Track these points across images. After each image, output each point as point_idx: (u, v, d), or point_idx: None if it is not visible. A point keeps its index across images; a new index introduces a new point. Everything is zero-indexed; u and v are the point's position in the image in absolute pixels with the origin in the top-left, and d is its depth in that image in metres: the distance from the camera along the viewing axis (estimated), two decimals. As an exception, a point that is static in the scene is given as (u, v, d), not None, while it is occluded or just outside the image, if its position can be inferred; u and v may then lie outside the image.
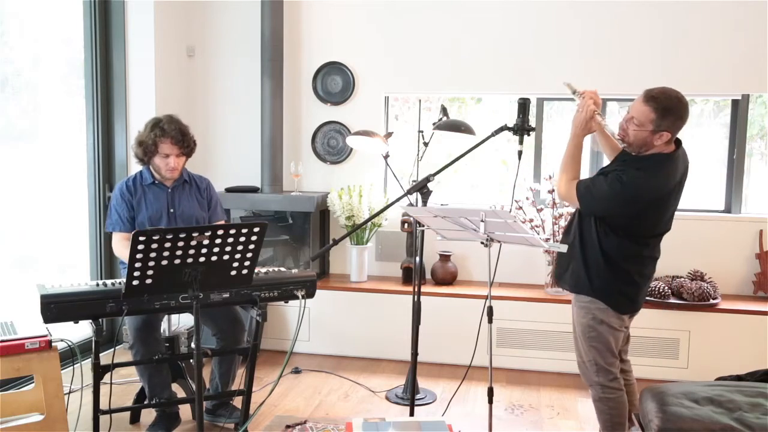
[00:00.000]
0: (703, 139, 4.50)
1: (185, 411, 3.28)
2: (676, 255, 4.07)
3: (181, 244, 2.26)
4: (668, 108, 2.41)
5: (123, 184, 3.15)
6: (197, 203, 3.23)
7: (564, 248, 2.61)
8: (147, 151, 3.06)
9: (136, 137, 3.11)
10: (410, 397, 3.19)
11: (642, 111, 2.44)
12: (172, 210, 3.15)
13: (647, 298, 3.40)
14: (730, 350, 3.86)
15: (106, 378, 2.59)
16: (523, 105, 2.77)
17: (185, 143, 3.10)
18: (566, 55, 4.30)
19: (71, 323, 2.51)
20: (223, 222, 3.33)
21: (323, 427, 3.17)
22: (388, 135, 3.97)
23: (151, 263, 2.26)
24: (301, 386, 3.81)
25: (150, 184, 3.15)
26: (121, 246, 3.06)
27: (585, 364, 2.70)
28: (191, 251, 2.29)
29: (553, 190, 4.04)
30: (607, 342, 2.64)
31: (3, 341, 2.52)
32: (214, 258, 2.35)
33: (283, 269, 2.98)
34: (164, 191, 3.16)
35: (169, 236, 2.23)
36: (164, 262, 2.27)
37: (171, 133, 3.04)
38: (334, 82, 4.65)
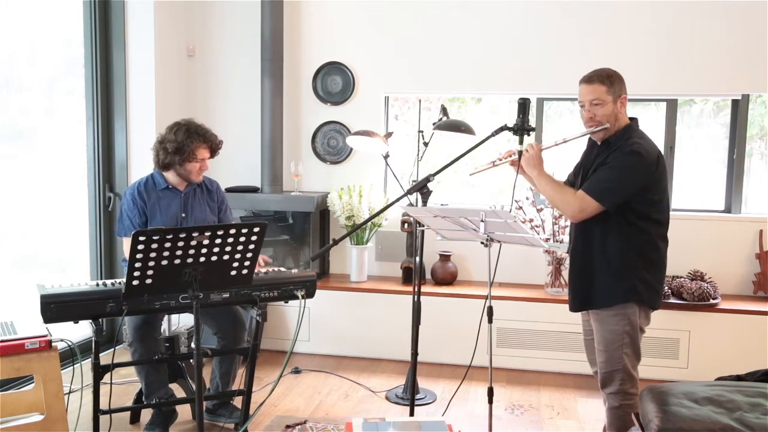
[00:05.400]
0: (703, 139, 4.50)
1: (185, 410, 3.29)
2: (676, 255, 4.05)
3: (181, 244, 2.26)
4: (609, 75, 2.60)
5: (134, 189, 3.09)
6: (208, 208, 3.22)
7: (564, 248, 2.61)
8: (185, 158, 3.03)
9: (170, 144, 3.02)
10: (410, 397, 3.19)
11: (594, 90, 2.59)
12: (184, 215, 3.13)
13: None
14: (730, 350, 3.86)
15: (106, 378, 2.59)
16: (523, 105, 2.77)
17: (218, 146, 3.16)
18: (566, 55, 4.30)
19: (71, 323, 2.51)
20: None
21: (323, 427, 3.17)
22: (388, 135, 3.97)
23: (151, 263, 2.26)
24: (301, 386, 3.81)
25: (164, 189, 3.12)
26: None
27: (612, 373, 2.63)
28: (191, 251, 2.29)
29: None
30: (637, 347, 2.63)
31: (3, 341, 2.52)
32: (214, 258, 2.35)
33: (283, 269, 2.98)
34: (178, 196, 3.14)
35: (169, 236, 2.23)
36: (164, 262, 2.27)
37: (210, 138, 3.08)
38: (334, 82, 4.65)
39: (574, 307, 2.76)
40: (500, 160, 2.78)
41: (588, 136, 2.69)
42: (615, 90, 2.58)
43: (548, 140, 2.74)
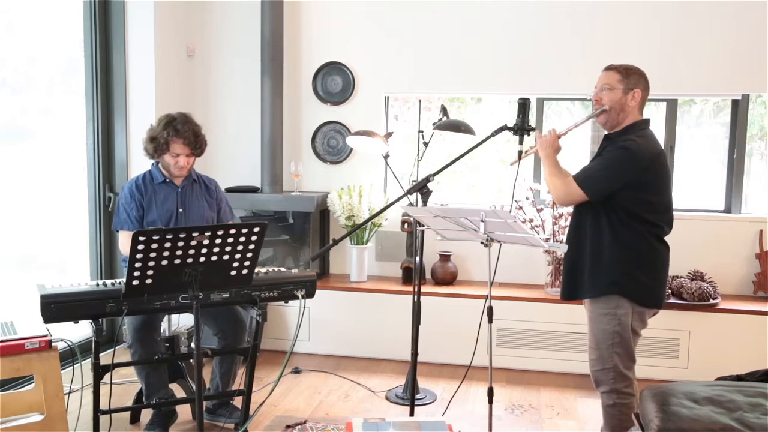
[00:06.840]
0: (703, 139, 4.51)
1: (185, 410, 3.29)
2: (676, 255, 4.03)
3: (181, 244, 2.26)
4: (629, 68, 2.65)
5: (132, 182, 3.12)
6: (206, 204, 3.22)
7: (564, 248, 2.61)
8: (158, 148, 3.05)
9: (149, 132, 3.09)
10: (410, 397, 3.19)
11: (608, 76, 2.65)
12: (181, 210, 3.14)
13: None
14: (730, 350, 3.86)
15: (106, 378, 2.59)
16: (523, 105, 2.78)
17: (197, 144, 3.11)
18: (566, 56, 4.30)
19: (71, 323, 2.51)
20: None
21: (323, 427, 3.17)
22: (388, 135, 3.97)
23: (151, 263, 2.26)
24: (301, 386, 3.81)
25: (161, 183, 3.13)
26: (128, 244, 3.06)
27: (603, 372, 2.64)
28: (191, 251, 2.29)
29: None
30: (629, 347, 2.63)
31: (3, 341, 2.52)
32: (214, 258, 2.35)
33: (283, 269, 2.98)
34: (174, 190, 3.15)
35: (169, 236, 2.23)
36: (164, 262, 2.28)
37: (184, 134, 3.03)
38: (334, 82, 4.65)
39: (563, 295, 2.80)
40: (531, 147, 2.84)
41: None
42: (629, 82, 2.61)
43: (563, 127, 2.78)
